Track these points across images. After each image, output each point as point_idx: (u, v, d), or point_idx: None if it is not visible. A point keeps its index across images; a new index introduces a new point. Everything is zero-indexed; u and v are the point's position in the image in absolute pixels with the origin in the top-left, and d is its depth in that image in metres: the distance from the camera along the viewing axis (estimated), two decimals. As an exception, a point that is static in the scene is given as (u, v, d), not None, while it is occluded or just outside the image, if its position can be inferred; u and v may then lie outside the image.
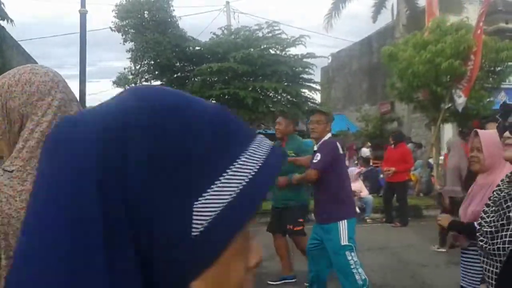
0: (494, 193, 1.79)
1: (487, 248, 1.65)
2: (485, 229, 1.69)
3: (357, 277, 3.98)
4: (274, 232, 5.49)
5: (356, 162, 14.02)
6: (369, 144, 16.41)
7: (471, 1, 17.54)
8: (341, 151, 4.29)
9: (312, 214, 7.56)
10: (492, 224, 1.68)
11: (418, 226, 8.88)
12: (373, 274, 3.95)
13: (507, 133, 1.69)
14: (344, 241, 4.03)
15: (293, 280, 5.45)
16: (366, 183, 10.62)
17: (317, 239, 4.29)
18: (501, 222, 1.63)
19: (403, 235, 8.00)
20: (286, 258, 5.51)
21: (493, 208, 1.72)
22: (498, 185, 1.81)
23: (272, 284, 5.50)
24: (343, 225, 4.05)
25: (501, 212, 1.66)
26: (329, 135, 4.30)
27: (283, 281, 5.48)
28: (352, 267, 4.01)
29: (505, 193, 1.69)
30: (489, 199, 1.80)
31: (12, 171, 1.02)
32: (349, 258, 4.02)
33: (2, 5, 9.71)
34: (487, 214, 1.74)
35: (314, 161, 4.16)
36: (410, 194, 10.30)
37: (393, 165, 8.88)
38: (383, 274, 5.35)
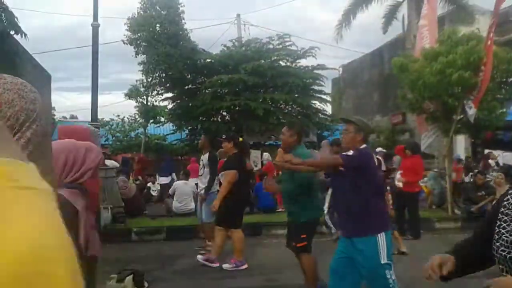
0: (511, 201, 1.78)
1: None
2: (507, 238, 1.69)
3: None
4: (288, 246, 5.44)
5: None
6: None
7: (483, 12, 17.48)
8: (376, 163, 4.06)
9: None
10: None
11: (430, 239, 8.77)
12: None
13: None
14: (384, 258, 3.67)
15: None
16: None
17: (345, 255, 3.87)
18: None
19: (415, 248, 7.89)
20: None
21: None
22: (511, 194, 1.80)
23: None
24: (381, 239, 3.69)
25: None
26: (364, 145, 3.96)
27: None
28: (391, 286, 3.68)
29: None
30: (504, 207, 1.79)
31: None
32: (389, 277, 3.68)
33: (16, 19, 9.90)
34: (507, 223, 1.74)
35: (345, 154, 3.85)
36: (422, 206, 10.19)
37: (404, 175, 8.87)
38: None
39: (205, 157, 7.72)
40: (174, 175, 14.82)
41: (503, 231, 1.72)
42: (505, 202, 1.80)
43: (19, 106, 0.99)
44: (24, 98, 1.01)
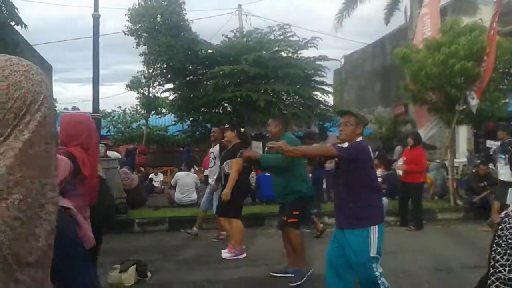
0: (505, 232, 1.68)
1: None
2: (502, 275, 1.60)
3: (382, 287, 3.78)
4: (280, 228, 5.79)
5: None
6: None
7: (486, 2, 17.35)
8: (371, 154, 4.05)
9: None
10: (508, 268, 1.59)
11: (432, 230, 8.78)
12: (386, 279, 3.89)
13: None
14: (373, 252, 3.77)
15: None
16: (384, 185, 10.45)
17: (338, 245, 3.97)
18: None
19: (417, 239, 7.91)
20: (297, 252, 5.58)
21: (509, 251, 1.63)
22: (505, 223, 1.70)
23: (276, 276, 5.64)
24: (373, 232, 3.79)
25: None
26: (360, 138, 3.98)
27: (285, 275, 5.57)
28: (378, 278, 3.77)
29: None
30: (499, 237, 1.70)
31: None
32: (375, 269, 3.78)
33: (16, 10, 9.84)
34: (501, 255, 1.65)
35: (340, 145, 3.80)
36: (424, 197, 10.18)
37: (406, 165, 8.90)
38: (396, 279, 5.29)
39: (215, 149, 7.69)
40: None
41: (497, 264, 1.62)
42: (499, 232, 1.70)
43: (26, 88, 0.99)
44: (31, 79, 1.01)
